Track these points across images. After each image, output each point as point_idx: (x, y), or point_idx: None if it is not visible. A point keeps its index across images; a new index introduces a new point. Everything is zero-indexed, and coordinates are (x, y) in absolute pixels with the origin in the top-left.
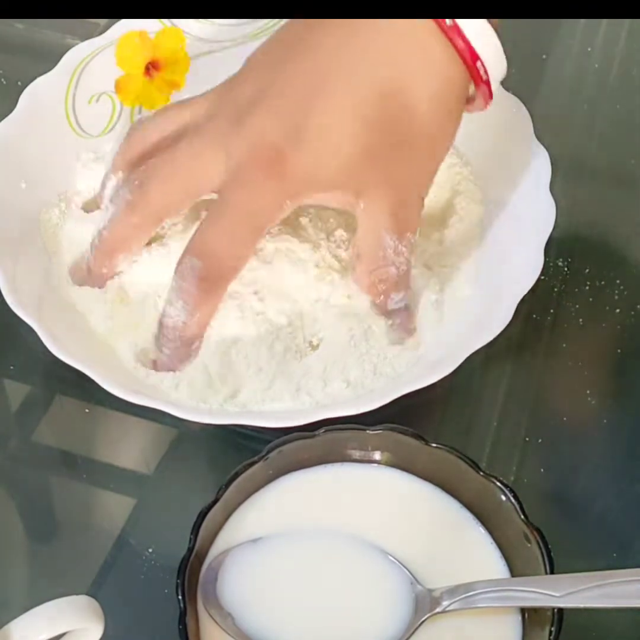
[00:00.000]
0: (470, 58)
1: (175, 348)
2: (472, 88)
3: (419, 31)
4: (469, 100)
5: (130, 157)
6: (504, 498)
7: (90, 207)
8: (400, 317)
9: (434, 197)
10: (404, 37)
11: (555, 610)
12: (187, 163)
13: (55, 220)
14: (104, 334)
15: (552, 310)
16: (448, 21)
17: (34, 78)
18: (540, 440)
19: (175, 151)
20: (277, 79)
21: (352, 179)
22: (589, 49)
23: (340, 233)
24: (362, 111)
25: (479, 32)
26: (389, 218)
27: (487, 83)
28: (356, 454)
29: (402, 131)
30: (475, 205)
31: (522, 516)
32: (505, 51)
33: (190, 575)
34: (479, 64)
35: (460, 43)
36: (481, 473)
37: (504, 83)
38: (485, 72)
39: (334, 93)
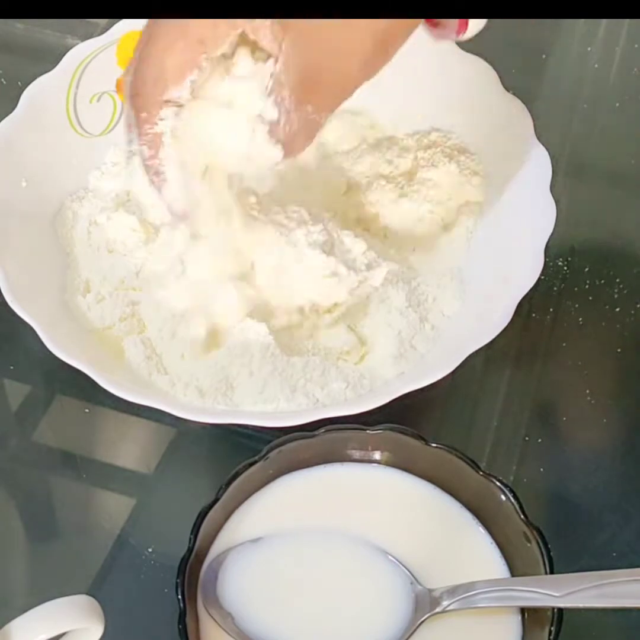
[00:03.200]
0: None
1: None
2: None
3: None
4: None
5: None
6: (503, 498)
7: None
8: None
9: (432, 197)
10: None
11: (555, 610)
12: None
13: (70, 221)
14: (110, 331)
15: (552, 310)
16: None
17: (34, 78)
18: (540, 440)
19: None
20: None
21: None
22: (589, 49)
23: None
24: None
25: None
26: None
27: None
28: (356, 454)
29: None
30: (475, 205)
31: (522, 516)
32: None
33: (190, 575)
34: None
35: None
36: (481, 473)
37: (504, 83)
38: None
39: None
